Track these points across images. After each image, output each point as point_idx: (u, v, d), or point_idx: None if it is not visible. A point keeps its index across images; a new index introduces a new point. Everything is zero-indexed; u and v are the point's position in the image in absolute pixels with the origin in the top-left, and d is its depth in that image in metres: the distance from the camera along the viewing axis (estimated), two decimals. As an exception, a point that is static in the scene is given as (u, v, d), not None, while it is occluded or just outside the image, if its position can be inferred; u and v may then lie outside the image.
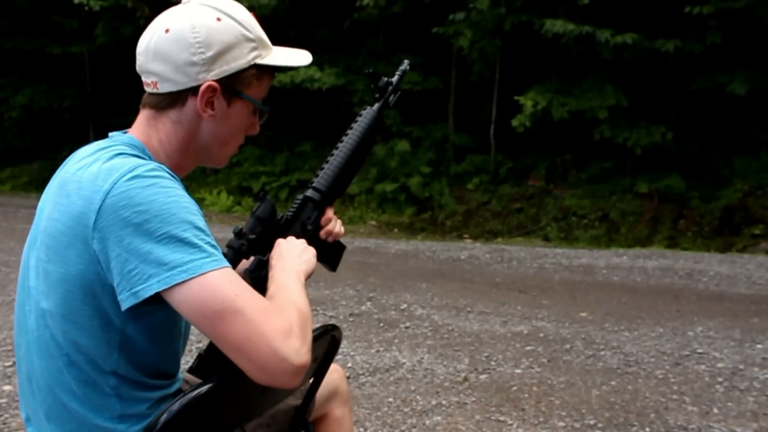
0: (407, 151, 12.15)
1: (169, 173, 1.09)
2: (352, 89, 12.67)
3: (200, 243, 1.02)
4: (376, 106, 1.45)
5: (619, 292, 5.75)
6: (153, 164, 1.09)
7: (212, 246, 1.04)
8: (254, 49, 1.19)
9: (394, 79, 1.48)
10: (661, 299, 5.45)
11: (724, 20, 9.95)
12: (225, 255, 1.12)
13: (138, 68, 1.19)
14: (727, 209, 10.06)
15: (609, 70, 10.91)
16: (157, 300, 1.02)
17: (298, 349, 1.01)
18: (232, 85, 1.18)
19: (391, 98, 1.47)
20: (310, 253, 1.29)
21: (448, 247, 8.44)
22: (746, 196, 10.06)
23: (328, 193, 1.38)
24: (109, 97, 15.15)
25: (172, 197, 1.04)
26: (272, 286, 1.15)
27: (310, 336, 1.07)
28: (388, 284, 5.87)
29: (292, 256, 1.24)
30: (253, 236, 1.26)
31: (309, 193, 1.37)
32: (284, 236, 1.32)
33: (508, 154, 12.26)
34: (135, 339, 1.11)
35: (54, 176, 1.22)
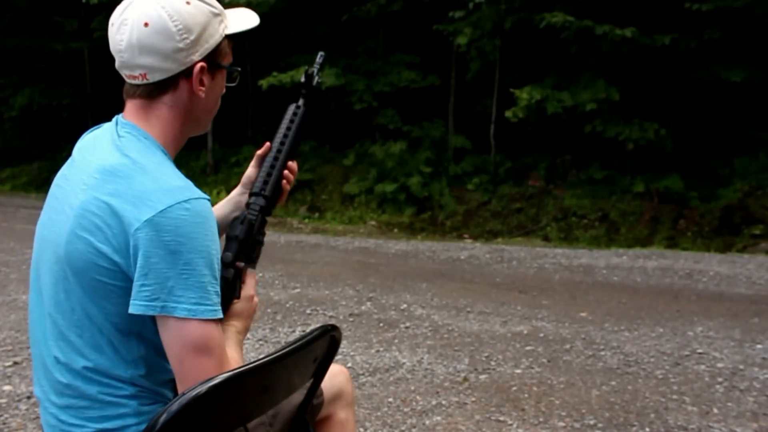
0: (403, 150, 12.16)
1: (211, 211, 1.17)
2: (352, 89, 12.67)
3: (211, 291, 1.12)
4: (302, 101, 1.53)
5: (619, 292, 5.75)
6: (204, 200, 1.15)
7: (217, 295, 1.14)
8: (221, 21, 1.26)
9: (315, 69, 1.59)
10: (661, 299, 5.45)
11: (723, 18, 9.98)
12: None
13: (119, 65, 1.22)
14: (726, 209, 10.07)
15: (607, 67, 10.95)
16: None
17: None
18: (214, 60, 1.25)
19: (315, 82, 1.56)
20: (255, 303, 1.37)
21: (448, 247, 8.44)
22: (746, 196, 10.07)
23: (272, 198, 1.42)
24: (109, 96, 15.14)
25: (209, 240, 1.13)
26: (232, 342, 1.24)
27: None
28: (388, 284, 5.87)
29: (246, 318, 1.33)
30: (242, 264, 1.31)
31: (261, 203, 1.40)
32: (251, 253, 1.36)
33: (507, 154, 12.27)
34: (155, 331, 1.16)
35: (73, 164, 1.24)
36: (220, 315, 1.14)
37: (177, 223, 1.09)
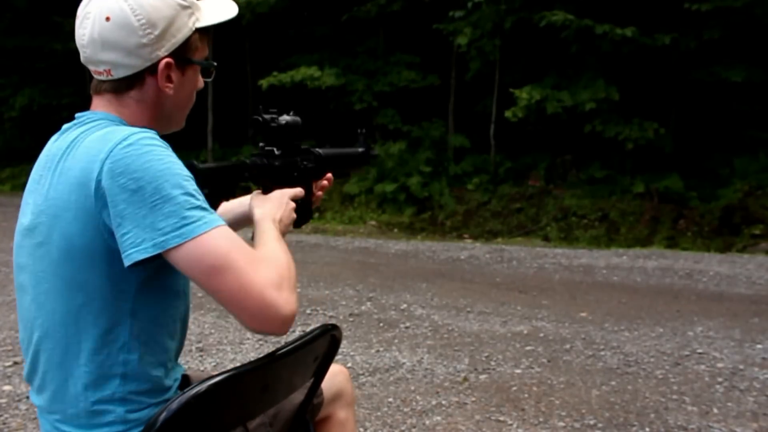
0: (403, 150, 12.16)
1: (160, 140, 1.12)
2: (352, 89, 12.67)
3: (192, 207, 1.06)
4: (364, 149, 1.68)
5: (619, 292, 5.75)
6: (146, 132, 1.11)
7: (203, 209, 1.07)
8: (191, 14, 1.22)
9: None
10: (661, 299, 5.45)
11: (723, 18, 9.99)
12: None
13: (84, 60, 1.20)
14: (726, 209, 10.06)
15: (607, 67, 10.96)
16: (161, 265, 1.07)
17: (287, 298, 1.07)
18: (183, 55, 1.21)
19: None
20: (291, 204, 1.36)
21: (448, 247, 8.44)
22: (746, 196, 10.07)
23: (325, 160, 1.52)
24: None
25: (166, 164, 1.07)
26: (261, 237, 1.22)
27: (296, 286, 1.13)
28: (388, 284, 5.87)
29: (273, 205, 1.32)
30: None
31: (315, 149, 1.51)
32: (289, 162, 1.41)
33: (507, 154, 12.27)
34: (145, 305, 1.14)
35: (37, 166, 1.22)
36: (213, 224, 1.06)
37: (125, 162, 1.05)
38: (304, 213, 1.44)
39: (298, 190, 1.39)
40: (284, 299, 1.07)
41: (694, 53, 10.64)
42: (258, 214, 1.29)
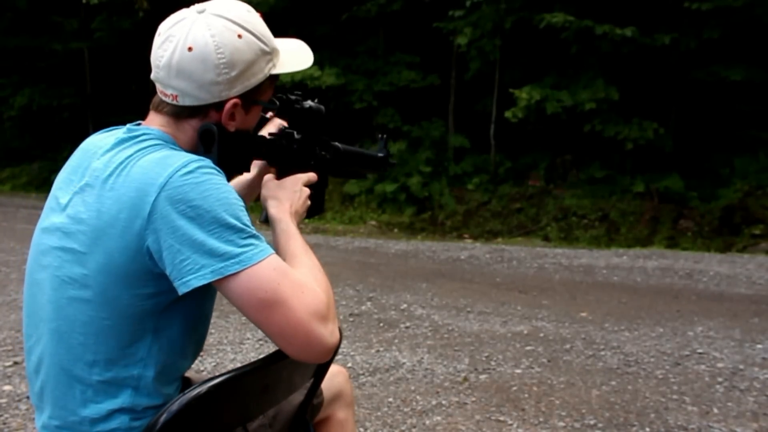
0: (403, 150, 12.17)
1: (217, 170, 1.13)
2: (352, 89, 12.67)
3: (248, 236, 1.08)
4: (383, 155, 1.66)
5: (619, 292, 5.75)
6: (204, 160, 1.12)
7: (256, 237, 1.09)
8: (269, 60, 1.22)
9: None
10: (661, 299, 5.45)
11: (723, 18, 10.00)
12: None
13: (155, 78, 1.19)
14: (727, 209, 10.07)
15: (607, 67, 10.97)
16: (198, 290, 1.06)
17: (332, 330, 1.09)
18: (251, 97, 1.22)
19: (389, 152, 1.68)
20: (305, 191, 1.35)
21: (448, 247, 8.44)
22: (746, 196, 10.08)
23: (344, 155, 1.49)
24: (108, 96, 15.16)
25: (224, 193, 1.09)
26: (288, 245, 1.21)
27: (335, 310, 1.14)
28: (388, 284, 5.87)
29: (288, 193, 1.31)
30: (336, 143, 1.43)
31: (335, 143, 1.48)
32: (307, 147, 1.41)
33: (507, 154, 12.27)
34: (169, 325, 1.14)
35: (75, 166, 1.20)
36: (266, 253, 1.08)
37: (184, 189, 1.06)
38: (316, 203, 1.42)
39: (312, 175, 1.38)
40: (329, 331, 1.08)
41: (694, 53, 10.65)
42: (273, 207, 1.29)
